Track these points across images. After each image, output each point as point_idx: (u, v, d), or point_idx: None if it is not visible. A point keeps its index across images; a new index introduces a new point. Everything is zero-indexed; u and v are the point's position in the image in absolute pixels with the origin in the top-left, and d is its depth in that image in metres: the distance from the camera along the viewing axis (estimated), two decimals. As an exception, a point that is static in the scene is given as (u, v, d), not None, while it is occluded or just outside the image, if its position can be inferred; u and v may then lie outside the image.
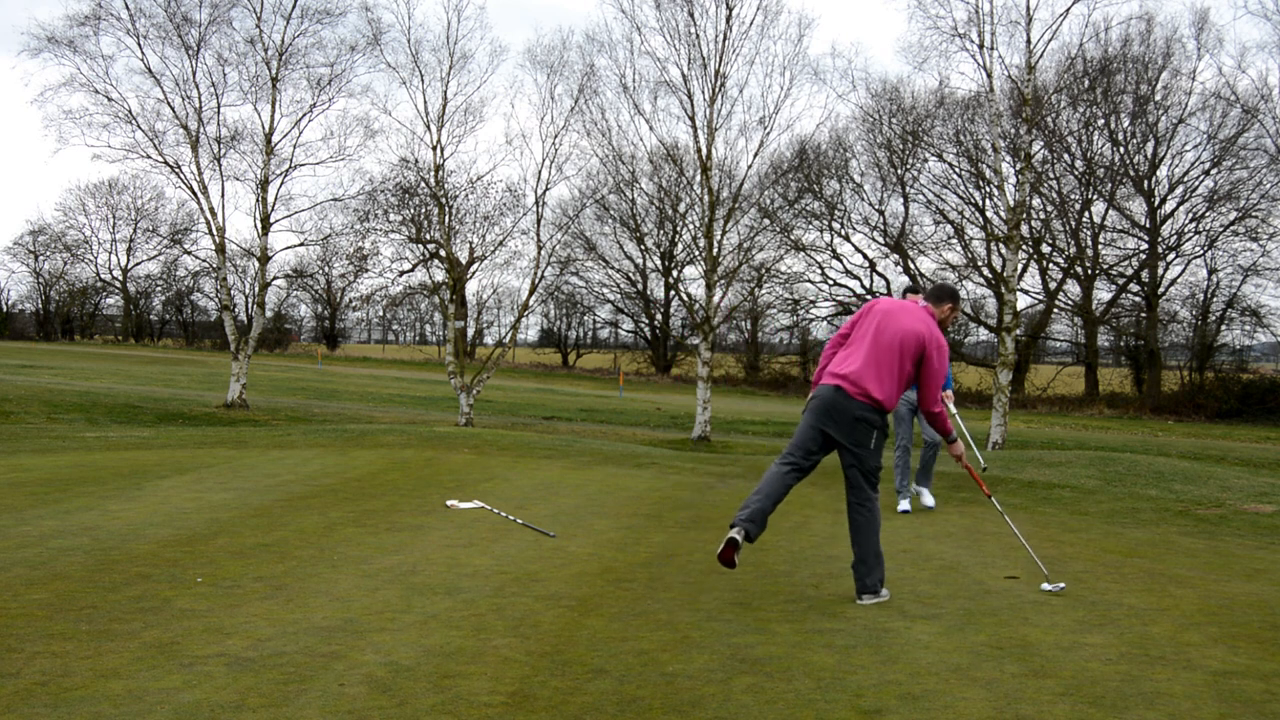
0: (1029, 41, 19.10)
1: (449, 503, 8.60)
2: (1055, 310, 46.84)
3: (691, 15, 21.75)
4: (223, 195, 30.14)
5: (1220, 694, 4.17)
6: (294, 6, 22.61)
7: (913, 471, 9.29)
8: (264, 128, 22.92)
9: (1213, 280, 42.11)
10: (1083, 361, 47.47)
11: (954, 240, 44.31)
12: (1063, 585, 5.91)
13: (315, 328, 76.01)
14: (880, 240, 46.82)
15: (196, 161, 22.69)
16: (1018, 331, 28.94)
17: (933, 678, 4.29)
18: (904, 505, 8.96)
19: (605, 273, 56.50)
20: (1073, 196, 43.33)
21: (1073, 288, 45.82)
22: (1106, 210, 43.37)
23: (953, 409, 8.41)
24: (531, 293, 24.04)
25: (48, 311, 71.19)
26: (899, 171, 45.09)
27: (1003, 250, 23.19)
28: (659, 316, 57.12)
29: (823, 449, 5.55)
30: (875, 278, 47.61)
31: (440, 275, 23.24)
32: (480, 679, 4.17)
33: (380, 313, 66.06)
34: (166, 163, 22.91)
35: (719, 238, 22.65)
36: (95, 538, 6.73)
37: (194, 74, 22.59)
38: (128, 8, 22.11)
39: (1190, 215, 41.94)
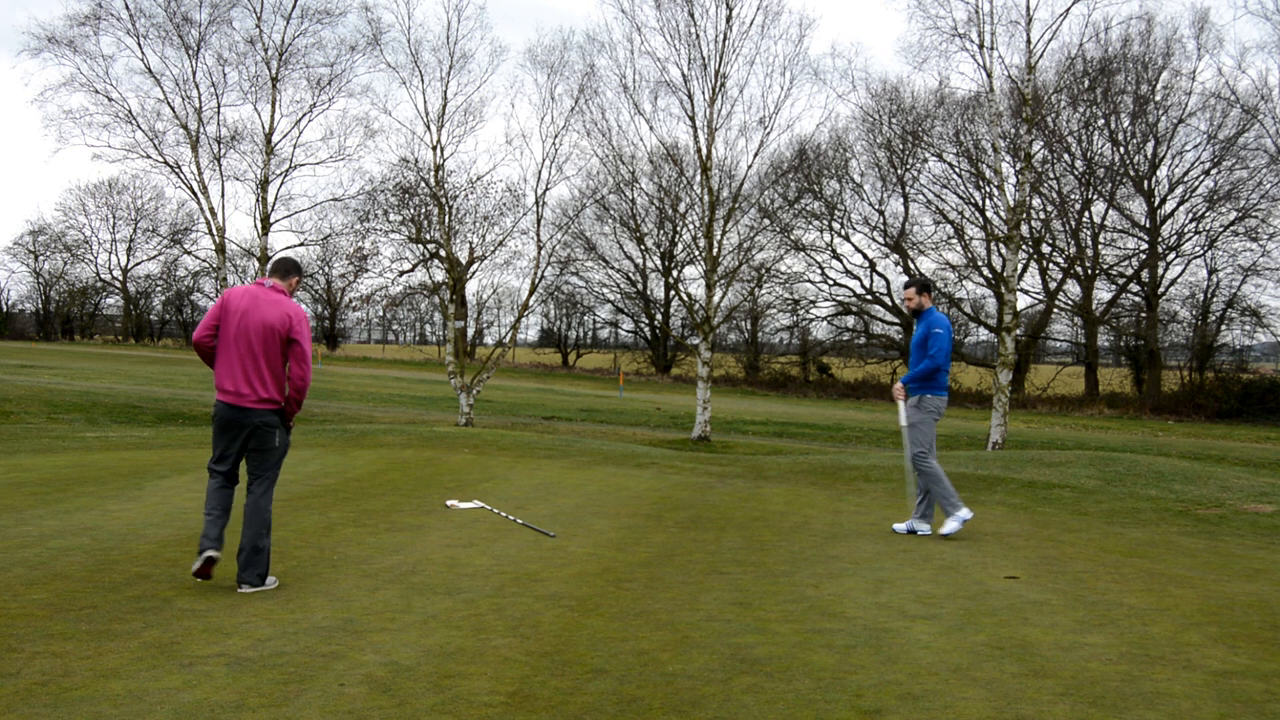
0: (1029, 41, 19.11)
1: (449, 503, 8.60)
2: (1055, 310, 46.90)
3: (691, 15, 21.76)
4: (223, 195, 30.24)
5: (1220, 694, 4.17)
6: (294, 6, 22.63)
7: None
8: (264, 128, 22.93)
9: (1213, 280, 42.18)
10: (1083, 361, 47.49)
11: (954, 240, 44.37)
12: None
13: (315, 328, 76.04)
14: (880, 240, 46.89)
15: (196, 161, 22.70)
16: (1018, 331, 28.94)
17: (933, 678, 4.29)
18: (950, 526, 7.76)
19: (605, 273, 56.58)
20: (1073, 196, 43.36)
21: (1073, 288, 45.91)
22: (1106, 210, 43.42)
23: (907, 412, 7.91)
24: (531, 293, 24.04)
25: (48, 311, 71.24)
26: (899, 171, 45.14)
27: (1003, 250, 23.19)
28: (659, 316, 57.13)
29: (238, 455, 5.72)
30: (875, 278, 47.67)
31: (440, 275, 23.23)
32: (480, 679, 4.17)
33: (380, 313, 65.99)
34: (166, 163, 22.94)
35: (719, 238, 22.65)
36: (95, 538, 6.73)
37: (194, 74, 22.62)
38: (128, 8, 22.13)
39: (1190, 215, 42.01)
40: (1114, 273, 44.17)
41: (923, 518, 7.93)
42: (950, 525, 7.76)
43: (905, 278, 45.90)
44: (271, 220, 23.03)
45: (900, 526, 8.04)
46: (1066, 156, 42.50)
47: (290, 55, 22.90)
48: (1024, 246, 37.68)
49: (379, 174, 31.82)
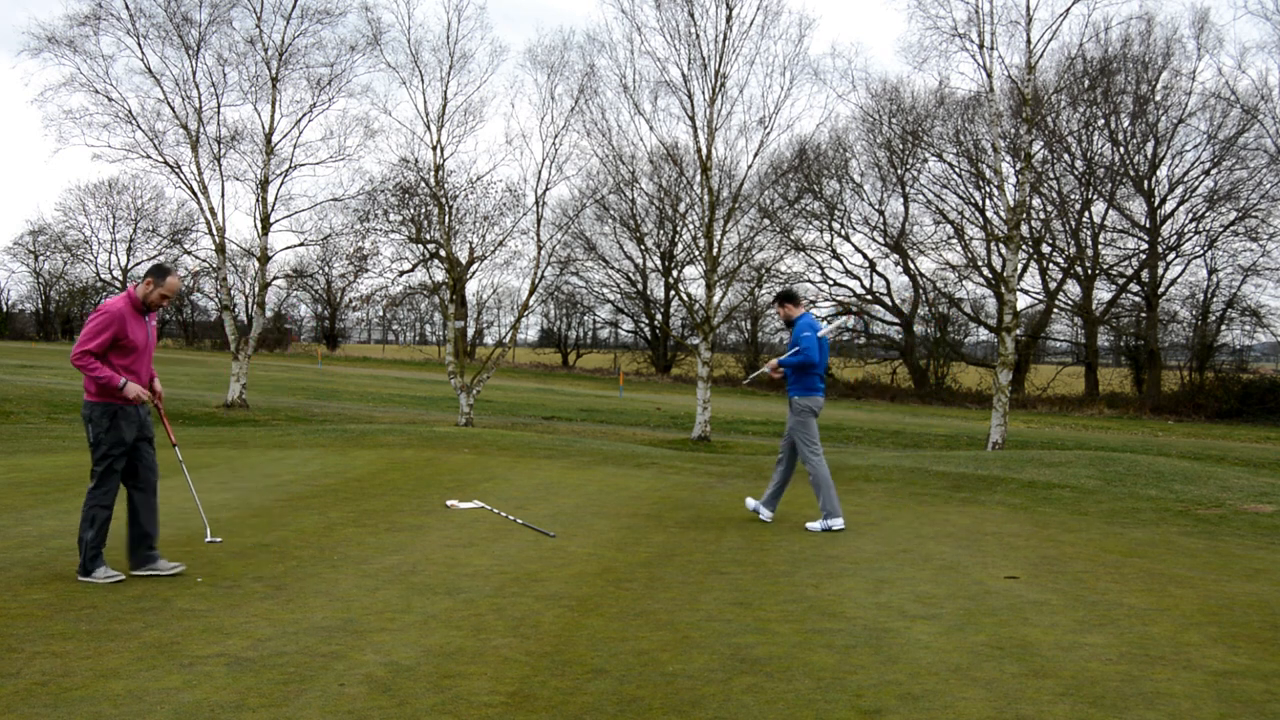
0: (1029, 41, 19.11)
1: (449, 503, 8.61)
2: (1055, 310, 46.89)
3: (691, 15, 21.75)
4: (223, 195, 30.17)
5: (1220, 694, 4.17)
6: (294, 6, 22.62)
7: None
8: (264, 128, 22.93)
9: (1213, 280, 42.18)
10: (1083, 361, 47.50)
11: (954, 240, 44.37)
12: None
13: (315, 328, 76.01)
14: (880, 240, 46.88)
15: (196, 161, 22.70)
16: (1018, 331, 28.93)
17: (933, 678, 4.29)
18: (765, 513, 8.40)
19: (605, 273, 56.58)
20: (1073, 196, 43.35)
21: (1073, 288, 45.91)
22: (1106, 210, 43.42)
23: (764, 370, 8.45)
24: (531, 293, 24.03)
25: (48, 311, 71.19)
26: (899, 171, 45.13)
27: (1003, 250, 23.19)
28: (659, 316, 57.14)
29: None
30: (875, 278, 47.67)
31: (440, 275, 23.22)
32: (480, 679, 4.17)
33: (380, 313, 66.09)
34: (166, 163, 22.93)
35: (719, 238, 22.64)
36: (95, 538, 6.72)
37: (194, 74, 22.60)
38: (128, 8, 22.12)
39: (1190, 215, 42.00)
40: (1114, 273, 44.20)
41: (768, 503, 8.37)
42: (816, 525, 8.04)
43: (905, 278, 46.23)
44: (271, 220, 23.04)
45: (756, 506, 8.42)
46: (1066, 156, 42.52)
47: (290, 55, 22.90)
48: (1024, 246, 37.68)
49: (379, 174, 31.80)
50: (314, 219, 28.19)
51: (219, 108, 22.93)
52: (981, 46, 19.16)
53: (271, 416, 21.20)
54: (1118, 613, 5.49)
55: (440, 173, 22.25)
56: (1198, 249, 42.17)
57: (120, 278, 70.78)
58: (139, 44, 22.35)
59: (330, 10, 23.04)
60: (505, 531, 7.46)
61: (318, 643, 4.59)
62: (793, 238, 40.61)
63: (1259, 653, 4.77)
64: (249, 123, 34.22)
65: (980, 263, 43.16)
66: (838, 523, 7.99)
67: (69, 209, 75.30)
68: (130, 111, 22.67)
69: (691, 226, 26.69)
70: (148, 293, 5.93)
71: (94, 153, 53.61)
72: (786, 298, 8.50)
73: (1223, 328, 42.34)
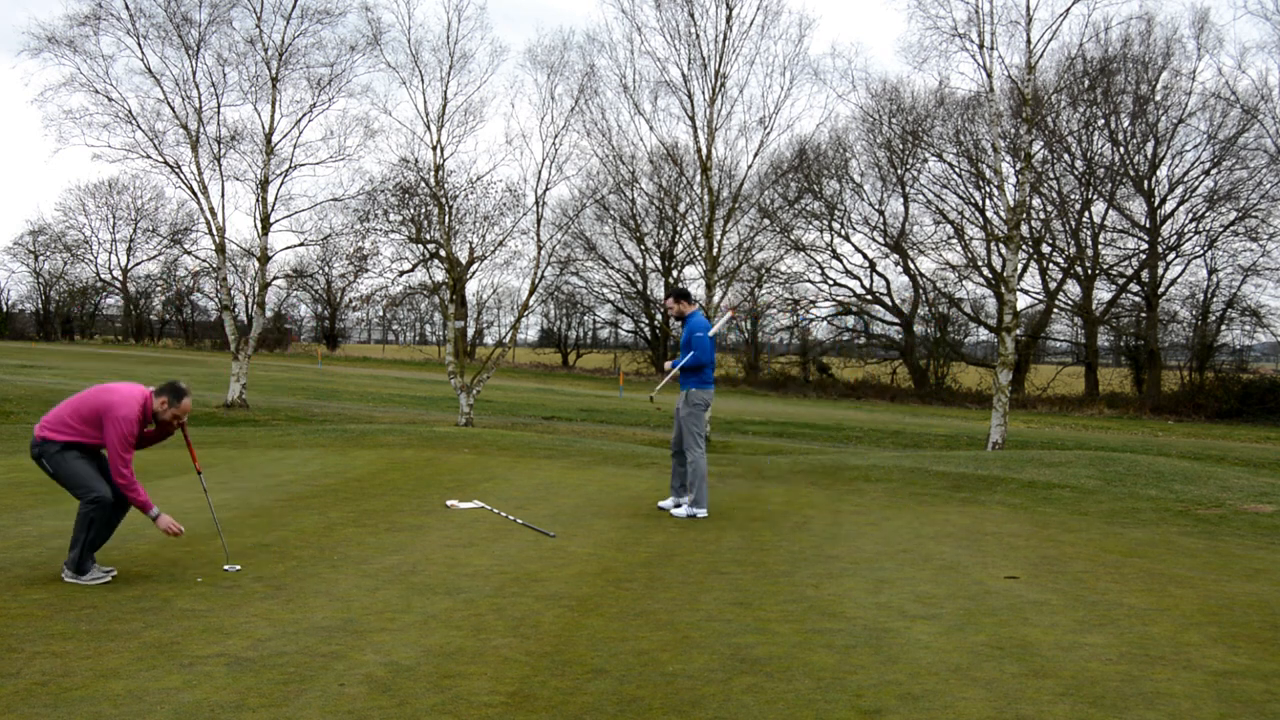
0: (1029, 41, 19.10)
1: (449, 503, 8.61)
2: (1055, 310, 46.88)
3: (691, 15, 21.75)
4: (223, 195, 30.12)
5: (1220, 694, 4.17)
6: (294, 6, 22.59)
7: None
8: (264, 128, 22.91)
9: (1213, 280, 42.16)
10: (1083, 361, 47.49)
11: (954, 240, 44.37)
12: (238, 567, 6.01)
13: (315, 328, 75.99)
14: (880, 240, 46.87)
15: (196, 161, 22.67)
16: (1018, 331, 28.94)
17: (933, 678, 4.29)
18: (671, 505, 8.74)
19: (605, 273, 56.60)
20: (1073, 196, 43.35)
21: (1073, 288, 45.90)
22: (1106, 210, 43.40)
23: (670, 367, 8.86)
24: (531, 293, 24.01)
25: (48, 311, 71.19)
26: (899, 171, 45.12)
27: (1003, 250, 23.19)
28: (659, 316, 57.14)
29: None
30: (875, 278, 47.68)
31: (440, 275, 23.21)
32: (480, 679, 4.18)
33: (380, 313, 66.11)
34: (166, 163, 22.90)
35: (719, 238, 22.63)
36: (95, 538, 6.72)
37: (194, 74, 22.58)
38: (128, 8, 22.10)
39: (1190, 215, 41.99)
40: (1114, 273, 44.20)
41: (680, 491, 8.65)
42: (682, 511, 8.48)
43: (905, 278, 46.26)
44: (271, 220, 23.02)
45: (666, 503, 8.70)
46: (1066, 156, 42.51)
47: (290, 55, 22.87)
48: (1024, 246, 37.68)
49: (379, 174, 31.78)
50: (314, 219, 28.16)
51: (219, 108, 22.91)
52: (981, 46, 19.15)
53: (271, 416, 21.20)
54: (1118, 613, 5.49)
55: (440, 173, 22.24)
56: (1198, 249, 42.21)
57: (120, 278, 70.84)
58: (139, 44, 22.34)
59: (330, 10, 23.02)
60: (505, 531, 7.46)
61: (318, 643, 4.59)
62: (793, 238, 40.76)
63: (1259, 653, 4.77)
64: (249, 123, 34.21)
65: (980, 263, 43.19)
66: (702, 512, 8.45)
67: (69, 209, 75.39)
68: (130, 111, 22.65)
69: (691, 226, 26.74)
70: (162, 411, 5.82)
71: (94, 153, 53.51)
72: (682, 295, 8.92)
73: (1223, 328, 42.36)
